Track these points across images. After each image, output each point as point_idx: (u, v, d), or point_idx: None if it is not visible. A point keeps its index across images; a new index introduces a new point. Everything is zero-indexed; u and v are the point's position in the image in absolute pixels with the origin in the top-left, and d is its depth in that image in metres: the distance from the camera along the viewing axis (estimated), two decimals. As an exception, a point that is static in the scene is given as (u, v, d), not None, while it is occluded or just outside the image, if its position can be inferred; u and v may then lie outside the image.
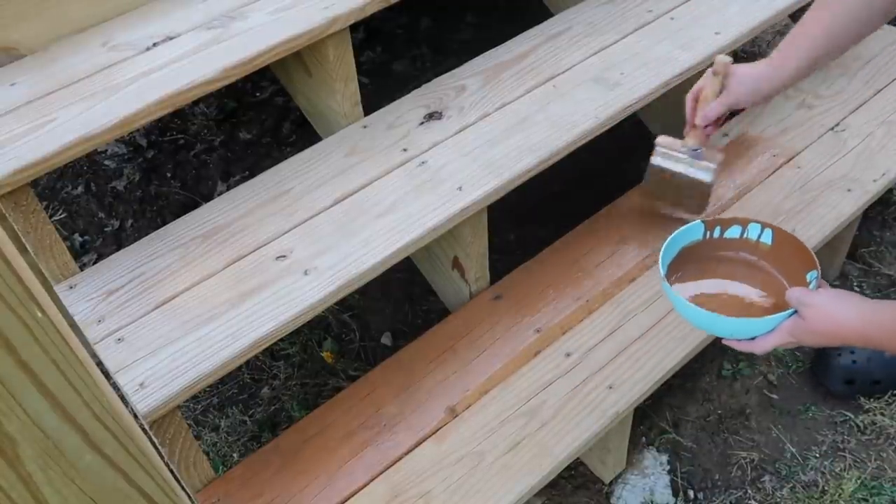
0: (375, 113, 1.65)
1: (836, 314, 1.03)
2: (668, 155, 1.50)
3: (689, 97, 1.37)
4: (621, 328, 1.50)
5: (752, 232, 1.26)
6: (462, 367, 1.47)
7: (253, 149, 2.18)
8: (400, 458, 1.35)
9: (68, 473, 0.56)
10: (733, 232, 1.27)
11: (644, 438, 1.67)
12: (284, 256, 1.39)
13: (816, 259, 1.16)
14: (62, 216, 2.11)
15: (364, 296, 1.90)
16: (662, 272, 1.20)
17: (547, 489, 1.55)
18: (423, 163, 1.52)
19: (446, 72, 1.72)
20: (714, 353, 1.78)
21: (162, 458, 1.25)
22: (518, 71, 1.69)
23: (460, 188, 1.47)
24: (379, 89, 2.19)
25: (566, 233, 1.68)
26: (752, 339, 1.11)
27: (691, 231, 1.26)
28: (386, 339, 1.84)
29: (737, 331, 1.12)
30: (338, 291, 1.34)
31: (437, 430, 1.39)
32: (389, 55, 2.32)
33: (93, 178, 2.18)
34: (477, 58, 1.74)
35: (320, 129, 1.76)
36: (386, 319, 1.88)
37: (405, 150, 1.55)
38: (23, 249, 1.36)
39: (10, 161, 1.28)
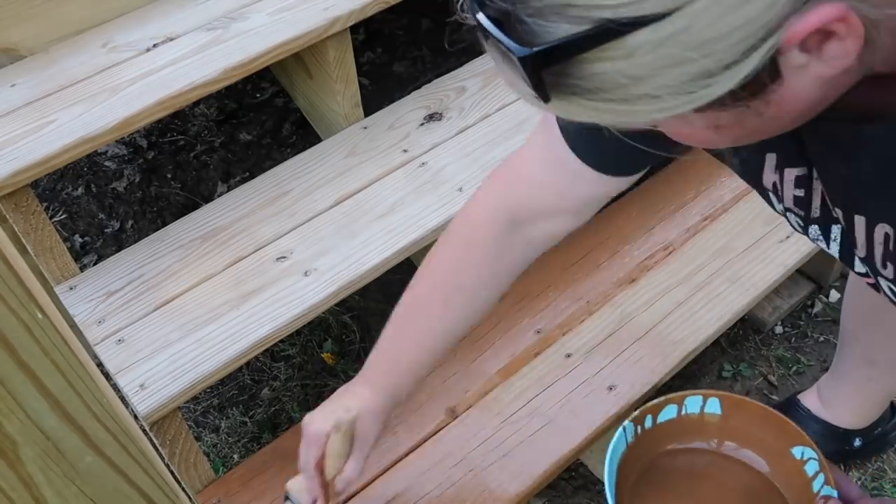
0: (376, 114, 1.65)
1: None
2: None
3: (311, 441, 1.03)
4: (622, 329, 1.50)
5: (692, 406, 1.03)
6: (462, 368, 1.47)
7: (253, 150, 2.18)
8: (400, 460, 1.35)
9: (69, 474, 0.56)
10: (668, 413, 1.04)
11: (644, 439, 1.67)
12: (285, 257, 1.39)
13: (800, 430, 0.95)
14: (62, 217, 2.11)
15: (364, 297, 1.90)
16: None
17: (547, 490, 1.55)
18: (423, 164, 1.52)
19: (446, 73, 1.72)
20: (714, 353, 1.78)
21: (162, 459, 1.25)
22: (518, 72, 1.69)
23: (461, 189, 1.47)
24: (379, 90, 2.19)
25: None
26: None
27: (620, 441, 1.03)
28: (386, 341, 1.84)
29: None
30: (338, 292, 1.34)
31: (437, 431, 1.38)
32: (390, 56, 2.32)
33: (93, 180, 2.18)
34: (477, 59, 1.74)
35: (321, 130, 1.76)
36: (386, 320, 1.88)
37: (405, 151, 1.55)
38: (23, 250, 1.36)
39: (10, 162, 1.28)
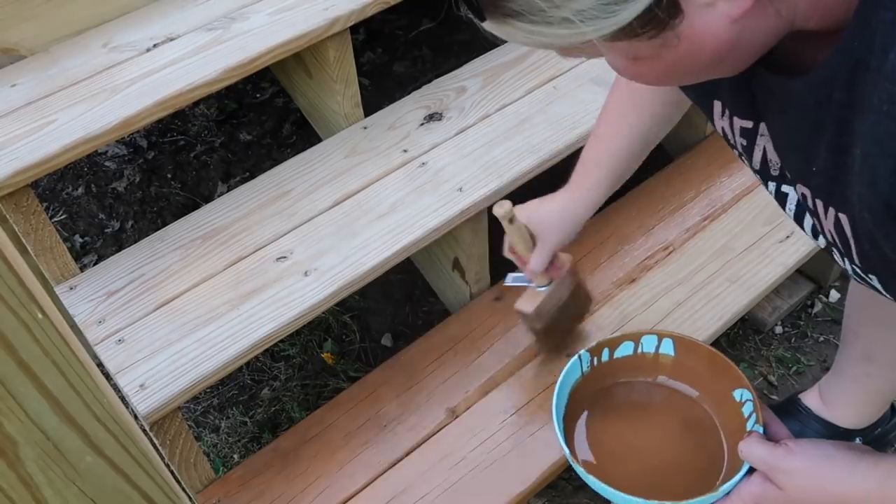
0: (376, 114, 1.65)
1: (831, 486, 0.83)
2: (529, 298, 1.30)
3: (507, 254, 1.25)
4: (621, 329, 1.50)
5: (648, 345, 1.08)
6: (462, 368, 1.47)
7: (253, 150, 2.18)
8: (400, 460, 1.35)
9: (69, 474, 0.56)
10: (625, 349, 1.08)
11: (644, 439, 1.67)
12: (285, 257, 1.39)
13: (742, 374, 0.99)
14: (62, 217, 2.11)
15: (364, 297, 1.90)
16: (564, 447, 0.99)
17: (547, 490, 1.55)
18: (423, 164, 1.52)
19: (447, 73, 1.72)
20: (714, 354, 1.78)
21: (162, 458, 1.25)
22: (518, 72, 1.69)
23: (461, 189, 1.47)
24: (379, 90, 2.19)
25: (566, 234, 1.68)
26: None
27: (575, 367, 1.07)
28: (386, 341, 1.84)
29: None
30: (338, 292, 1.34)
31: (438, 431, 1.38)
32: (390, 56, 2.32)
33: (93, 180, 2.18)
34: (477, 59, 1.74)
35: (321, 130, 1.76)
36: (386, 320, 1.88)
37: (405, 151, 1.55)
38: (23, 251, 1.36)
39: (10, 162, 1.28)
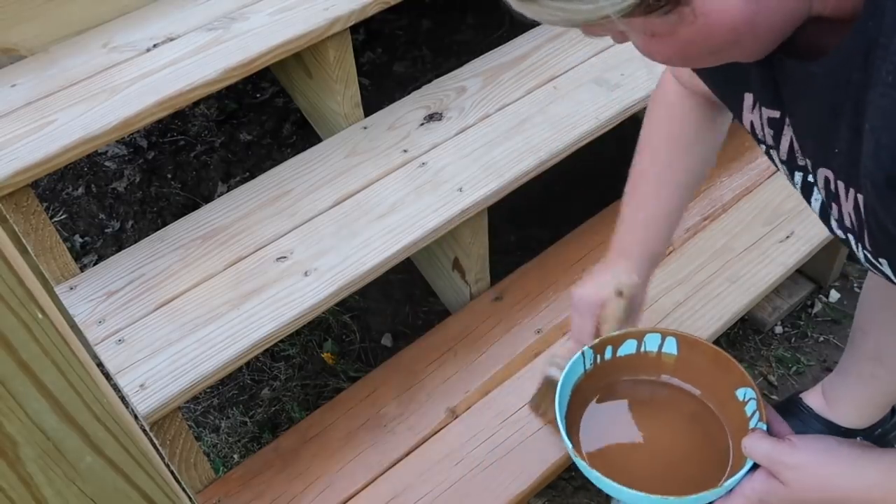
0: (376, 114, 1.65)
1: (834, 480, 0.82)
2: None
3: (585, 311, 1.13)
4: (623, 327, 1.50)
5: (651, 343, 1.07)
6: (463, 368, 1.47)
7: (253, 150, 2.18)
8: (400, 459, 1.35)
9: (69, 474, 0.56)
10: (628, 348, 1.08)
11: (644, 439, 1.67)
12: (285, 257, 1.39)
13: (745, 372, 0.99)
14: (63, 217, 2.11)
15: (364, 297, 1.90)
16: (567, 443, 0.98)
17: (548, 490, 1.55)
18: (423, 164, 1.52)
19: (446, 73, 1.72)
20: (714, 354, 1.78)
21: (162, 458, 1.25)
22: (518, 72, 1.69)
23: (461, 189, 1.47)
24: (379, 90, 2.19)
25: (567, 234, 1.68)
26: None
27: (578, 364, 1.06)
28: (386, 341, 1.84)
29: None
30: (338, 292, 1.34)
31: (438, 430, 1.39)
32: (390, 56, 2.32)
33: (93, 180, 2.18)
34: (477, 59, 1.74)
35: (321, 130, 1.76)
36: (386, 320, 1.88)
37: (405, 151, 1.55)
38: (23, 250, 1.36)
39: (10, 162, 1.28)
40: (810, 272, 1.83)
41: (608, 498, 1.58)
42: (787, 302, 1.81)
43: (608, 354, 1.08)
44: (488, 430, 1.37)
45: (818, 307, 1.84)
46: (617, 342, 1.08)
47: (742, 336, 1.81)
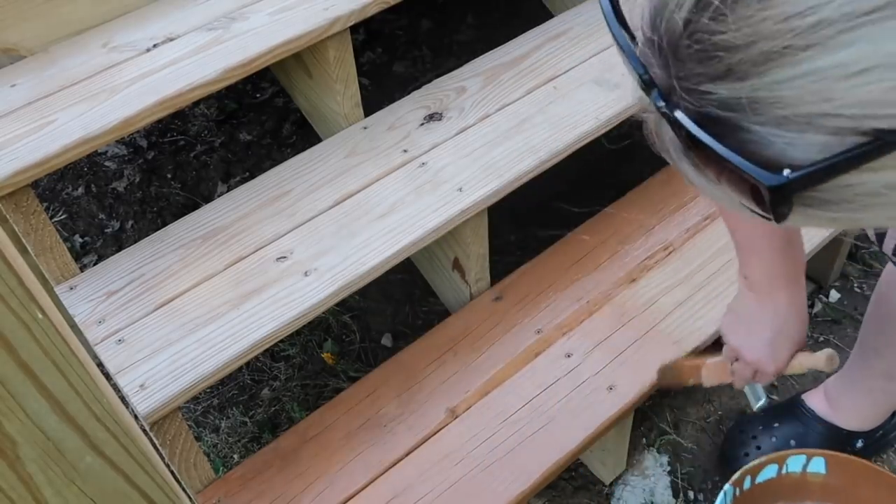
0: (376, 114, 1.65)
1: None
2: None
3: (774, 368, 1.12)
4: (622, 329, 1.50)
5: (794, 465, 1.00)
6: (462, 368, 1.47)
7: (253, 150, 2.18)
8: (400, 459, 1.35)
9: (69, 474, 0.56)
10: (768, 473, 1.01)
11: (644, 440, 1.67)
12: (285, 257, 1.39)
13: None
14: (62, 217, 2.11)
15: (364, 297, 1.90)
16: None
17: (547, 490, 1.55)
18: (423, 164, 1.52)
19: (446, 73, 1.72)
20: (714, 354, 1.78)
21: (162, 459, 1.25)
22: (518, 72, 1.69)
23: (461, 189, 1.47)
24: (379, 90, 2.19)
25: (567, 234, 1.68)
26: None
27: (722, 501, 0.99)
28: (386, 341, 1.84)
29: None
30: (338, 292, 1.34)
31: (438, 430, 1.39)
32: (390, 56, 2.32)
33: (93, 180, 2.18)
34: (477, 59, 1.74)
35: (320, 130, 1.76)
36: (386, 321, 1.88)
37: (405, 151, 1.55)
38: (23, 250, 1.36)
39: (10, 162, 1.28)
40: (810, 272, 1.83)
41: (608, 496, 1.58)
42: (787, 302, 1.81)
43: (747, 484, 1.01)
44: (488, 430, 1.37)
45: (818, 307, 1.84)
46: (756, 471, 1.01)
47: (742, 336, 1.81)
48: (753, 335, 1.09)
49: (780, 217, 0.46)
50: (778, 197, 0.43)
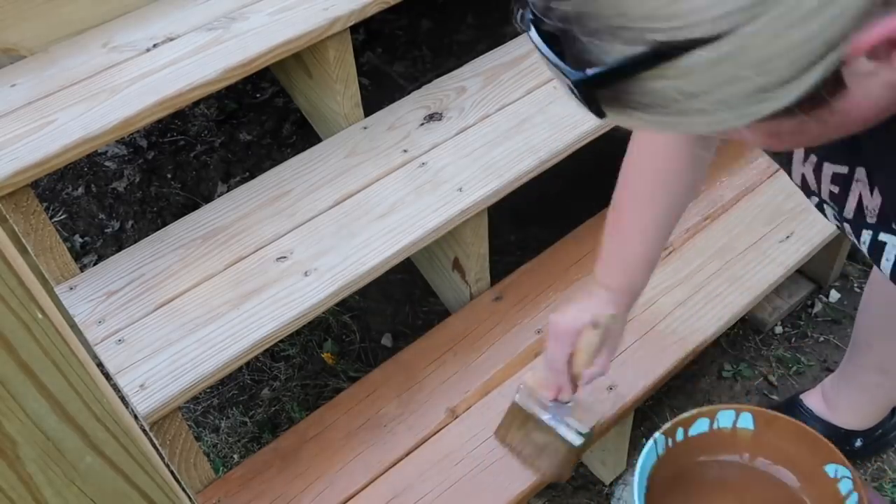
0: (376, 114, 1.65)
1: None
2: (534, 399, 1.23)
3: (561, 338, 1.12)
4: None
5: (724, 420, 1.02)
6: (462, 368, 1.47)
7: (253, 150, 2.18)
8: (400, 459, 1.35)
9: (69, 474, 0.56)
10: (700, 426, 1.04)
11: (644, 440, 1.67)
12: (285, 257, 1.39)
13: (834, 447, 0.94)
14: (62, 217, 2.11)
15: (364, 297, 1.90)
16: None
17: (547, 490, 1.55)
18: (423, 164, 1.52)
19: (446, 73, 1.72)
20: (714, 353, 1.78)
21: (162, 459, 1.25)
22: (518, 72, 1.69)
23: (461, 189, 1.47)
24: (379, 90, 2.19)
25: (567, 234, 1.68)
26: None
27: (650, 453, 1.03)
28: (386, 341, 1.84)
29: None
30: (338, 292, 1.34)
31: (438, 431, 1.38)
32: (390, 56, 2.32)
33: (93, 180, 2.18)
34: (477, 59, 1.74)
35: (320, 130, 1.76)
36: (386, 321, 1.88)
37: (405, 151, 1.55)
38: (23, 250, 1.36)
39: (10, 162, 1.28)
40: (810, 272, 1.83)
41: (608, 496, 1.58)
42: (788, 302, 1.81)
43: (679, 436, 1.04)
44: (488, 430, 1.37)
45: (818, 307, 1.84)
46: (688, 423, 1.04)
47: (742, 336, 1.81)
48: (567, 310, 1.13)
49: (598, 114, 0.57)
50: (584, 91, 0.55)
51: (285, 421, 1.72)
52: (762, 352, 1.78)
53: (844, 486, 0.91)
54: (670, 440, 1.04)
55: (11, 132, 1.34)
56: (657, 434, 1.04)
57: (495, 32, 2.27)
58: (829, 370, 1.72)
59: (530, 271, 1.62)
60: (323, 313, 1.52)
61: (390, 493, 1.31)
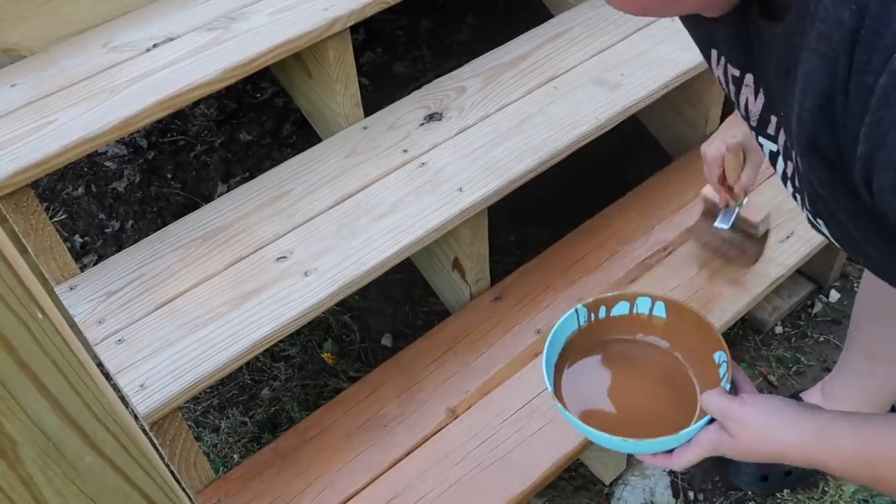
0: (376, 114, 1.65)
1: (775, 434, 0.88)
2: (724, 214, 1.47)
3: (710, 162, 1.34)
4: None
5: (642, 306, 1.13)
6: (462, 368, 1.47)
7: (253, 150, 2.18)
8: (400, 459, 1.35)
9: (69, 474, 0.56)
10: (621, 309, 1.13)
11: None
12: (285, 257, 1.39)
13: (721, 337, 1.06)
14: (62, 217, 2.11)
15: (364, 297, 1.90)
16: (549, 386, 1.04)
17: (548, 490, 1.55)
18: (423, 164, 1.52)
19: (446, 73, 1.72)
20: (714, 354, 1.78)
21: (162, 459, 1.25)
22: (518, 72, 1.69)
23: (460, 189, 1.47)
24: (379, 90, 2.19)
25: (567, 234, 1.68)
26: (669, 451, 0.98)
27: (571, 319, 1.12)
28: (386, 341, 1.84)
29: (646, 449, 0.99)
30: (338, 292, 1.34)
31: (438, 430, 1.39)
32: (390, 56, 2.32)
33: (93, 180, 2.18)
34: (477, 59, 1.74)
35: (321, 130, 1.76)
36: (386, 321, 1.88)
37: (405, 151, 1.55)
38: (23, 251, 1.36)
39: (10, 162, 1.28)
40: (810, 272, 1.83)
41: (608, 496, 1.58)
42: (787, 302, 1.81)
43: (602, 314, 1.14)
44: (488, 430, 1.37)
45: (818, 307, 1.84)
46: (611, 303, 1.13)
47: (742, 336, 1.81)
48: (714, 139, 1.33)
49: None
50: None
51: (285, 421, 1.72)
52: (762, 352, 1.78)
53: (723, 370, 1.04)
54: (593, 315, 1.13)
55: (11, 132, 1.34)
56: (579, 306, 1.12)
57: (495, 32, 2.28)
58: (829, 370, 1.71)
59: (530, 271, 1.62)
60: (323, 313, 1.52)
61: (390, 493, 1.31)
